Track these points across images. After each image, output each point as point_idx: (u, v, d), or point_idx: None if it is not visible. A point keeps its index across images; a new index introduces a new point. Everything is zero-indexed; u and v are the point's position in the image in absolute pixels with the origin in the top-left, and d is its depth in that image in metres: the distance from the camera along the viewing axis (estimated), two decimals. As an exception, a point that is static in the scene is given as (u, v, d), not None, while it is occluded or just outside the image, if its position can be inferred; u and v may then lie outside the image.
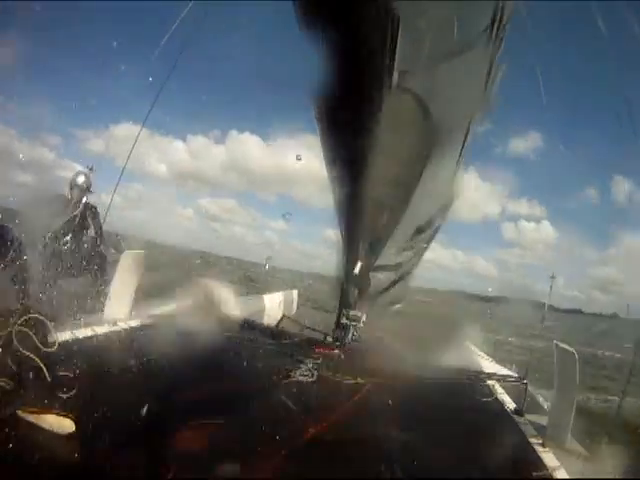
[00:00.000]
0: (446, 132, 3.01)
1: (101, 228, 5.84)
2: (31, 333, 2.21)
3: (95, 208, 5.82)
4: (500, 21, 2.18)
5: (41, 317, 2.28)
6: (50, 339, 2.29)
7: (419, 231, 4.56)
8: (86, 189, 5.62)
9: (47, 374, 2.19)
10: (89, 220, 5.70)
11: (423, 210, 4.17)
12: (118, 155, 4.89)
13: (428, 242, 4.98)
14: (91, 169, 5.82)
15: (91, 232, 5.67)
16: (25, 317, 2.23)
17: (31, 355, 2.18)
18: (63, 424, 2.04)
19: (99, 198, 5.69)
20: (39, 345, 2.20)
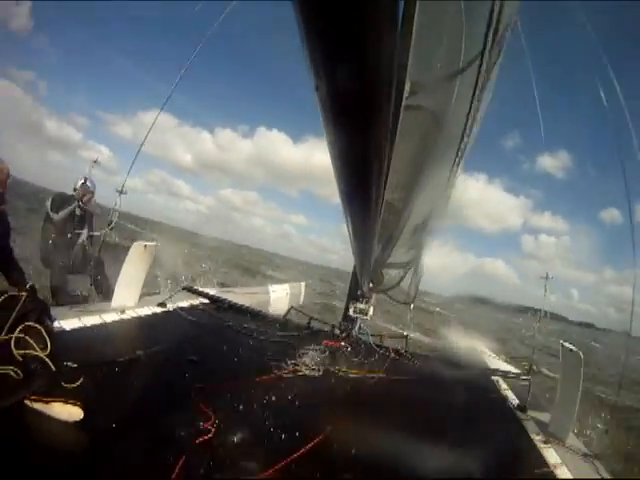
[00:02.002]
0: (449, 136, 2.97)
1: (92, 236, 5.93)
2: (30, 340, 2.26)
3: (92, 215, 5.94)
4: (496, 30, 2.10)
5: (38, 326, 2.31)
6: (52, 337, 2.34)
7: (419, 229, 4.53)
8: (90, 190, 5.75)
9: (52, 366, 2.22)
10: (86, 223, 5.86)
11: (424, 209, 4.14)
12: (145, 141, 4.87)
13: (428, 240, 4.94)
14: (95, 161, 5.86)
15: (83, 236, 5.80)
16: (24, 324, 2.29)
17: (34, 352, 2.23)
18: (71, 412, 2.07)
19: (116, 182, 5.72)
20: (36, 349, 2.24)
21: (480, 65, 2.02)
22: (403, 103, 0.96)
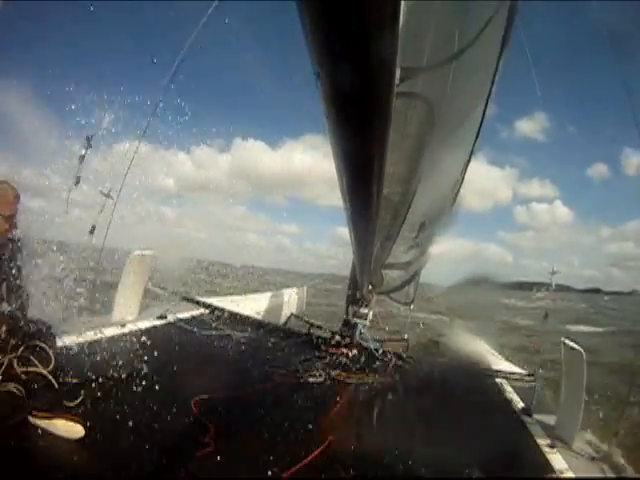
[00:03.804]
0: (452, 127, 2.95)
1: None
2: (33, 358, 2.25)
3: None
4: (510, 18, 2.11)
5: (41, 343, 2.32)
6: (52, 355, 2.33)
7: (425, 227, 4.51)
8: None
9: (55, 383, 2.22)
10: None
11: (430, 206, 4.12)
12: (128, 173, 4.66)
13: (433, 239, 4.92)
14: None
15: None
16: (26, 344, 2.28)
17: (37, 370, 2.23)
18: (73, 429, 2.08)
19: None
20: (39, 366, 2.24)
21: (502, 47, 2.01)
22: (395, 89, 0.97)
